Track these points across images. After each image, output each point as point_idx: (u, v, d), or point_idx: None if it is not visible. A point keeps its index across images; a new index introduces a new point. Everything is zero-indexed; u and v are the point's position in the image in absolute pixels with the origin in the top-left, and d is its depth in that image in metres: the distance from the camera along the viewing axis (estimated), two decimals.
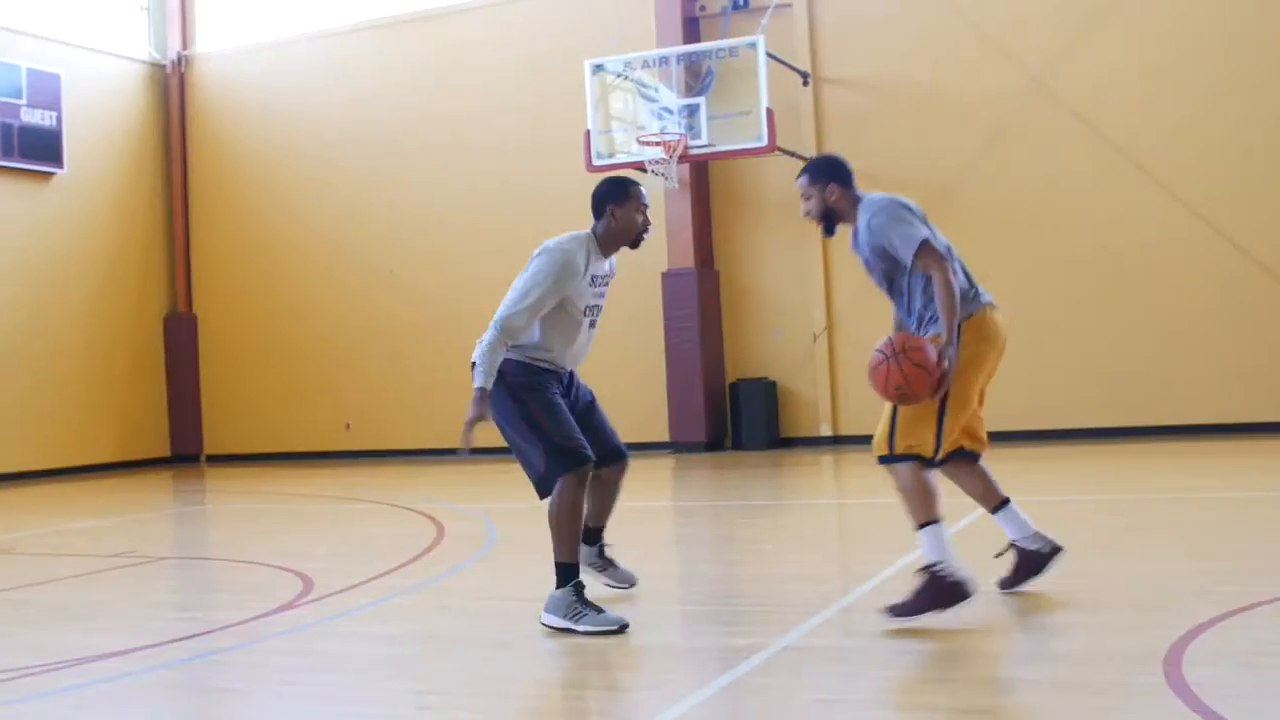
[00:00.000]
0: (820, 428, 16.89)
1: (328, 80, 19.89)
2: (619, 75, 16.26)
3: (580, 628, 5.75)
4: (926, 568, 5.51)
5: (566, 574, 5.87)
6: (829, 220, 5.91)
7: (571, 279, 5.94)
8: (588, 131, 16.17)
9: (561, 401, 6.05)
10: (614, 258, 6.30)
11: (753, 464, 15.24)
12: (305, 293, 19.86)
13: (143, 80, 20.73)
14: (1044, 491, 11.12)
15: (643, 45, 16.94)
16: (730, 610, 6.45)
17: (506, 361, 5.97)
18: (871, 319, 16.58)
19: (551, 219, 17.48)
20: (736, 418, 17.14)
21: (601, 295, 6.19)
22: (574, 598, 5.82)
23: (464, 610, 6.63)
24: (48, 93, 18.68)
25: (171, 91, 20.90)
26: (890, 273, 5.77)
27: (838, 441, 16.71)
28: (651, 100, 16.16)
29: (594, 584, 6.38)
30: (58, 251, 19.04)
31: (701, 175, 17.47)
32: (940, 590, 5.45)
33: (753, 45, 15.59)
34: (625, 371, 17.08)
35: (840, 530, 10.18)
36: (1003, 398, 16.00)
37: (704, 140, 15.76)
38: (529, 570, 6.58)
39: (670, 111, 15.91)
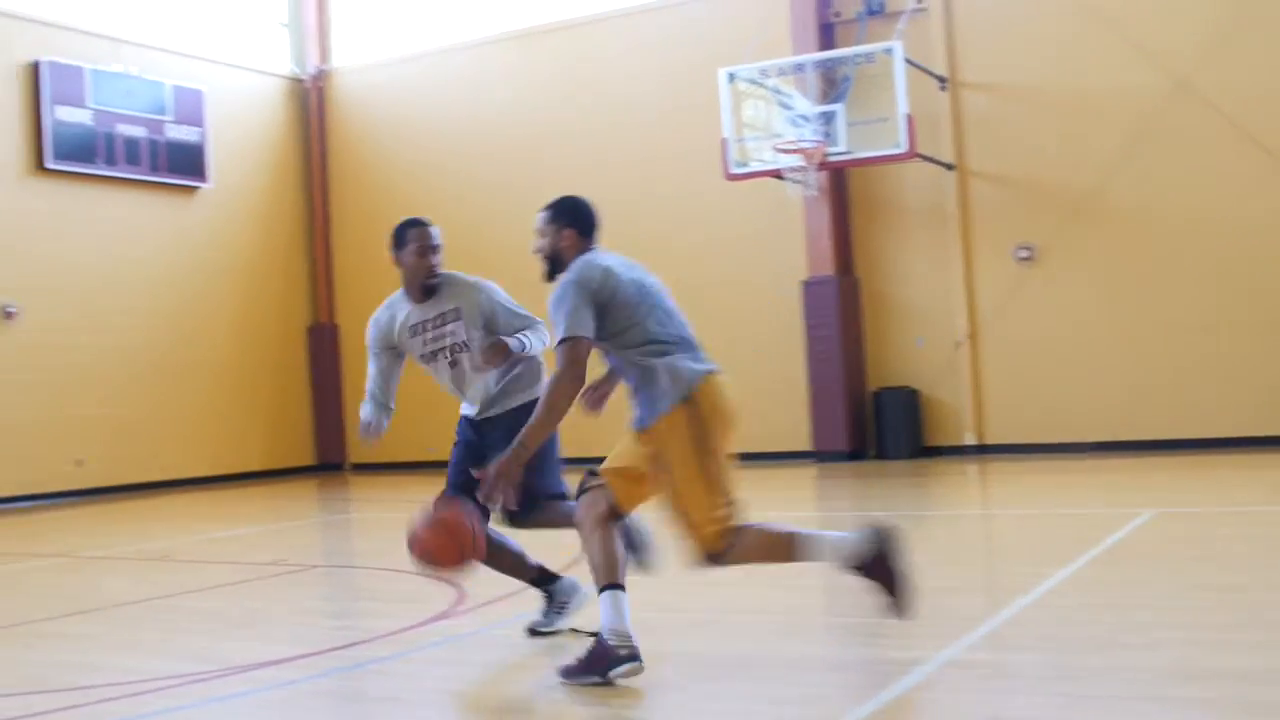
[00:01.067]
0: (964, 436, 16.66)
1: (464, 93, 20.11)
2: (753, 83, 16.19)
3: None
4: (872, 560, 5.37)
5: None
6: (553, 264, 5.58)
7: (381, 337, 6.62)
8: (724, 140, 16.14)
9: (455, 452, 6.50)
10: (474, 290, 6.32)
11: (896, 473, 15.09)
12: None
13: (283, 95, 21.15)
14: (1198, 503, 10.86)
15: (778, 53, 16.84)
16: (881, 623, 6.35)
17: None
18: (1016, 325, 16.46)
19: (690, 228, 17.58)
20: (879, 426, 16.98)
21: (440, 338, 6.36)
22: None
23: None
24: (192, 109, 19.16)
25: (311, 105, 21.31)
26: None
27: (983, 450, 16.46)
28: (787, 108, 16.06)
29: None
30: (204, 264, 19.50)
31: (839, 182, 17.33)
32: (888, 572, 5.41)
33: (889, 51, 15.41)
34: (766, 380, 17.04)
35: (989, 541, 10.02)
36: (1150, 406, 15.82)
37: (842, 147, 15.62)
38: (675, 580, 6.55)
39: (806, 119, 15.79)
